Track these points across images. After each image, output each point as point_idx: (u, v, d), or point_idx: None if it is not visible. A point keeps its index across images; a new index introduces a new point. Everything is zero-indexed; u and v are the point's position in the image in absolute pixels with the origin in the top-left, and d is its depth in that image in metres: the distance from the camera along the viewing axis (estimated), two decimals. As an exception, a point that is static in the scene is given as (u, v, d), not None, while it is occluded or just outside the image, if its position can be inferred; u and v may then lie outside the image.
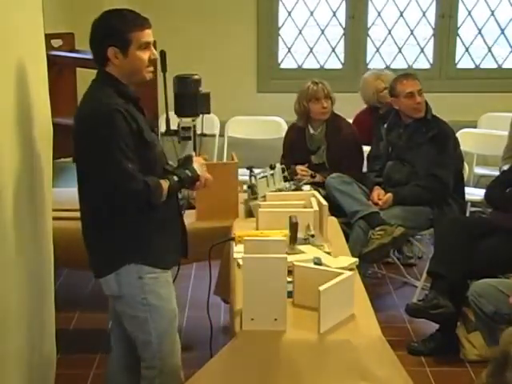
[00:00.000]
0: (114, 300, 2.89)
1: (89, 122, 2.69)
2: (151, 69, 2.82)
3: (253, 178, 3.81)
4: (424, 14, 6.11)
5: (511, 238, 3.82)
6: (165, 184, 2.74)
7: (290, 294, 2.74)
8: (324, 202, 3.47)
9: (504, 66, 6.22)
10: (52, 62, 3.78)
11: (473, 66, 6.22)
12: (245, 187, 3.92)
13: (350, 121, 4.96)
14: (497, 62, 6.22)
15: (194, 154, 3.22)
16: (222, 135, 5.93)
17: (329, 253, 3.18)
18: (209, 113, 3.98)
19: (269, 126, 5.92)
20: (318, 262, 2.96)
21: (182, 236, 2.99)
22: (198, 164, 2.92)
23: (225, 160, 5.66)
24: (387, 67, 6.03)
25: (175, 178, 2.79)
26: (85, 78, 4.97)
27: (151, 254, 2.79)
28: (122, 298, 2.82)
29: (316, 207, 3.42)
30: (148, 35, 2.75)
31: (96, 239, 2.82)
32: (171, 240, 2.90)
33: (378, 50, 6.15)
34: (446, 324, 4.00)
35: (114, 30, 2.68)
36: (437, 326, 4.04)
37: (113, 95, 2.70)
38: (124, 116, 2.65)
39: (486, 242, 3.86)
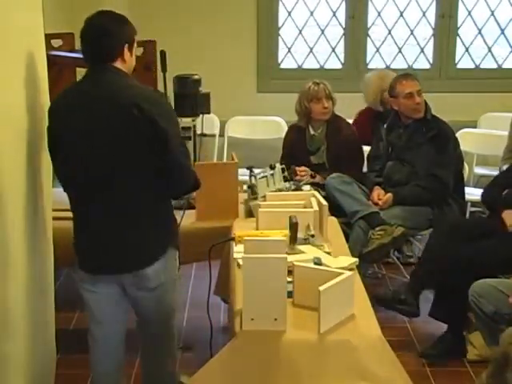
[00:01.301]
0: (149, 292, 2.88)
1: (157, 103, 2.78)
2: None
3: (253, 178, 3.81)
4: (424, 14, 6.11)
5: (511, 239, 3.82)
6: None
7: (289, 294, 2.74)
8: (324, 202, 3.47)
9: (504, 66, 6.23)
10: (52, 62, 3.77)
11: (473, 66, 6.22)
12: (245, 187, 3.92)
13: (350, 121, 4.96)
14: (497, 62, 6.22)
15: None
16: (221, 135, 5.93)
17: (329, 253, 3.18)
18: (209, 113, 3.98)
19: (269, 125, 5.93)
20: (318, 262, 2.96)
21: None
22: None
23: (225, 160, 5.66)
24: (387, 67, 6.04)
25: None
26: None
27: (176, 236, 2.98)
28: (164, 284, 2.89)
29: (316, 207, 3.42)
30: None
31: (144, 227, 2.81)
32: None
33: (377, 50, 6.16)
34: (452, 325, 4.00)
35: (130, 31, 2.89)
36: (436, 327, 4.04)
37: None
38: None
39: (485, 242, 3.85)
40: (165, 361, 3.10)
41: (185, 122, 3.90)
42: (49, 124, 2.86)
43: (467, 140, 5.38)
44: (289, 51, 6.19)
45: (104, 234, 2.82)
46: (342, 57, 6.18)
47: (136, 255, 2.82)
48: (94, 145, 2.74)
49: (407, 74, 4.69)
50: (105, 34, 2.80)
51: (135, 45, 2.91)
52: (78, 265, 2.95)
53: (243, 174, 4.04)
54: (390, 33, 6.16)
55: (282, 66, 6.21)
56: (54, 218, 3.27)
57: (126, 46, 2.85)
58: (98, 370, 3.06)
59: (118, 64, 2.83)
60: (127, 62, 2.86)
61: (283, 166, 4.03)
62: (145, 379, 3.19)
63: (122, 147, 2.72)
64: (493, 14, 6.11)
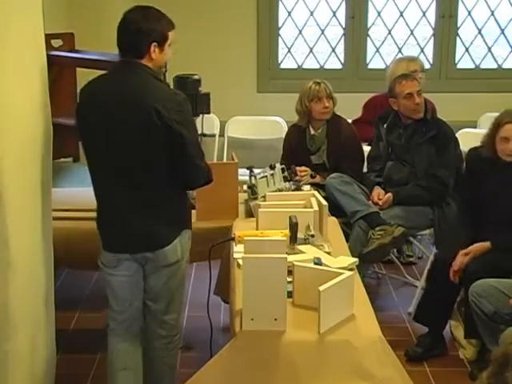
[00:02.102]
0: (165, 268, 3.05)
1: (174, 109, 2.88)
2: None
3: (253, 178, 3.81)
4: (424, 14, 6.11)
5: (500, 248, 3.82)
6: None
7: (289, 294, 2.75)
8: (324, 202, 3.47)
9: (504, 66, 6.22)
10: (52, 62, 3.77)
11: (473, 66, 6.21)
12: (245, 187, 3.92)
13: (350, 121, 4.96)
14: (497, 62, 6.22)
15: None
16: (222, 135, 5.92)
17: (329, 253, 3.18)
18: (209, 113, 3.98)
19: (269, 125, 5.92)
20: (318, 262, 2.96)
21: None
22: None
23: (225, 160, 5.66)
24: (387, 67, 6.03)
25: None
26: (85, 77, 4.97)
27: (190, 219, 3.17)
28: (179, 261, 3.07)
29: (316, 207, 3.42)
30: (174, 34, 3.06)
31: (161, 212, 3.01)
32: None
33: (377, 50, 6.15)
34: (434, 329, 4.02)
35: (159, 27, 2.96)
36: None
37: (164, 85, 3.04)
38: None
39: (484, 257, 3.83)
40: (160, 335, 3.19)
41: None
42: (76, 108, 3.06)
43: (467, 140, 5.36)
44: (289, 51, 6.18)
45: (129, 219, 3.00)
46: (341, 57, 6.17)
47: (157, 237, 3.01)
48: (113, 140, 2.91)
49: (407, 75, 4.69)
50: (133, 31, 2.93)
51: (169, 42, 2.99)
52: (103, 248, 3.09)
53: (243, 174, 4.04)
54: (389, 33, 6.16)
55: (282, 66, 6.21)
56: (54, 218, 3.27)
57: (155, 44, 2.93)
58: (118, 347, 3.19)
59: (146, 61, 2.95)
60: (155, 60, 2.96)
61: (283, 166, 4.03)
62: (147, 365, 3.27)
63: (138, 147, 2.90)
64: (493, 14, 6.11)
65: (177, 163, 2.93)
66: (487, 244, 3.81)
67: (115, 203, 2.99)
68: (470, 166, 4.10)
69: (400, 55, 5.83)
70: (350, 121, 4.95)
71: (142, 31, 2.92)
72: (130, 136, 2.88)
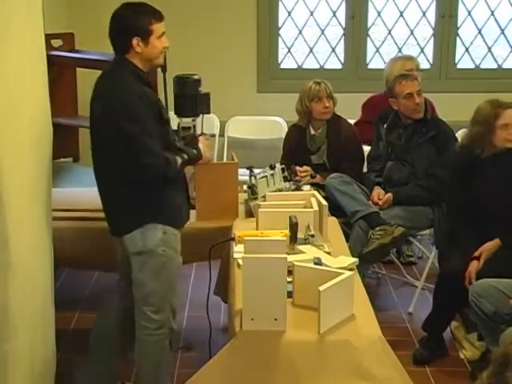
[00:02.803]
0: (135, 256, 3.16)
1: (119, 106, 3.01)
2: (163, 55, 3.19)
3: (253, 178, 3.81)
4: (424, 14, 6.11)
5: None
6: (179, 160, 3.14)
7: (289, 294, 2.74)
8: (324, 202, 3.47)
9: (504, 66, 6.22)
10: (52, 61, 3.77)
11: (473, 66, 6.21)
12: (245, 187, 3.92)
13: (351, 121, 4.95)
14: (497, 62, 6.22)
15: (198, 134, 3.54)
16: (222, 135, 5.92)
17: (329, 253, 3.18)
18: (209, 113, 3.97)
19: (269, 125, 5.92)
20: (318, 262, 2.96)
21: (187, 202, 3.36)
22: (203, 144, 3.36)
23: (225, 160, 5.66)
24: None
25: (185, 156, 3.19)
26: (85, 77, 4.99)
27: (172, 215, 3.19)
28: (144, 252, 3.14)
29: (316, 207, 3.42)
30: (163, 26, 3.13)
31: (121, 201, 3.14)
32: (182, 204, 3.28)
33: (377, 50, 6.15)
34: (433, 330, 4.02)
35: (139, 23, 3.05)
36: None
37: (134, 80, 3.07)
38: (148, 99, 3.04)
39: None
40: (140, 324, 3.26)
41: (185, 121, 3.90)
42: None
43: (467, 140, 5.37)
44: (289, 51, 6.18)
45: (103, 204, 3.23)
46: (341, 57, 6.17)
47: (118, 224, 3.20)
48: (91, 132, 3.17)
49: (407, 75, 4.69)
50: (112, 29, 3.09)
51: (156, 34, 3.06)
52: None
53: (243, 174, 4.04)
54: (389, 33, 6.15)
55: (282, 66, 6.20)
56: (54, 218, 3.27)
57: (137, 38, 3.03)
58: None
59: (131, 56, 3.08)
60: (142, 54, 3.07)
61: (283, 166, 4.03)
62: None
63: (98, 139, 3.13)
64: (493, 14, 6.11)
65: (124, 158, 3.02)
66: (496, 241, 3.79)
67: (99, 190, 3.22)
68: (463, 163, 4.03)
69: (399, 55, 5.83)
70: (351, 121, 4.95)
71: (119, 28, 3.07)
72: (94, 128, 3.12)
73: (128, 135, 2.98)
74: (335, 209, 4.14)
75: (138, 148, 2.99)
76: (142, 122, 3.00)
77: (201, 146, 3.34)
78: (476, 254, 3.78)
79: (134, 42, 3.04)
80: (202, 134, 3.59)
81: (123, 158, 3.02)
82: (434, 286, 4.36)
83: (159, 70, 3.85)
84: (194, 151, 3.28)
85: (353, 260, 3.12)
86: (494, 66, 6.22)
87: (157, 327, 3.22)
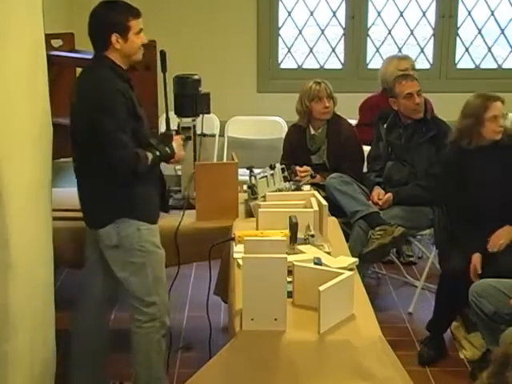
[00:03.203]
0: (111, 250, 3.22)
1: (93, 100, 3.07)
2: (142, 51, 3.23)
3: (253, 178, 3.81)
4: (424, 14, 6.11)
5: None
6: (149, 156, 3.17)
7: (289, 294, 2.74)
8: (324, 202, 3.47)
9: (504, 66, 6.22)
10: (52, 62, 3.77)
11: (473, 66, 6.21)
12: (245, 187, 3.92)
13: (351, 121, 4.95)
14: (497, 62, 6.22)
15: (173, 132, 3.53)
16: (222, 135, 5.92)
17: (329, 253, 3.18)
18: (209, 113, 3.97)
19: (269, 125, 5.92)
20: (318, 262, 2.96)
21: (162, 196, 3.41)
22: (176, 143, 3.40)
23: (225, 160, 5.66)
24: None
25: (157, 153, 3.22)
26: (85, 77, 4.93)
27: (144, 211, 3.23)
28: (120, 247, 3.20)
29: (316, 207, 3.42)
30: (141, 23, 3.18)
31: (95, 196, 3.21)
32: (155, 200, 3.33)
33: (377, 50, 6.15)
34: (437, 330, 4.02)
35: (117, 19, 3.11)
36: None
37: (112, 76, 3.12)
38: (123, 94, 3.07)
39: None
40: (132, 317, 3.33)
41: (185, 121, 3.90)
42: None
43: (467, 140, 5.37)
44: (289, 51, 6.18)
45: (79, 198, 3.30)
46: (341, 57, 6.17)
47: (92, 217, 3.27)
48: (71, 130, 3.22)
49: (407, 75, 4.69)
50: (90, 26, 3.15)
51: (134, 30, 3.12)
52: None
53: (243, 174, 4.04)
54: (389, 33, 6.16)
55: (282, 66, 6.21)
56: (54, 218, 3.27)
57: (116, 35, 3.09)
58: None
59: (110, 52, 3.14)
60: (121, 50, 3.13)
61: (283, 166, 4.03)
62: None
63: (75, 131, 3.16)
64: (493, 14, 6.11)
65: (97, 152, 3.07)
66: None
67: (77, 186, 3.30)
68: (455, 160, 4.02)
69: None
70: (351, 122, 4.95)
71: (97, 25, 3.13)
72: (72, 125, 3.17)
73: (102, 129, 3.03)
74: (335, 209, 4.14)
75: (112, 142, 3.04)
76: (116, 117, 3.05)
77: (175, 144, 3.37)
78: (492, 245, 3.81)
79: (113, 38, 3.10)
80: (178, 133, 3.59)
81: (97, 151, 3.07)
82: (434, 286, 4.37)
83: (159, 70, 3.87)
84: (167, 149, 3.31)
85: (353, 260, 3.12)
86: (494, 66, 6.22)
87: (147, 320, 3.27)
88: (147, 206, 3.25)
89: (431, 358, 3.93)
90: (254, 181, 3.80)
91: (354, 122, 5.06)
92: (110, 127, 3.03)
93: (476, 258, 3.76)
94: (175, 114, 3.92)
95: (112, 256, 3.24)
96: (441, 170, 4.21)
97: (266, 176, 3.86)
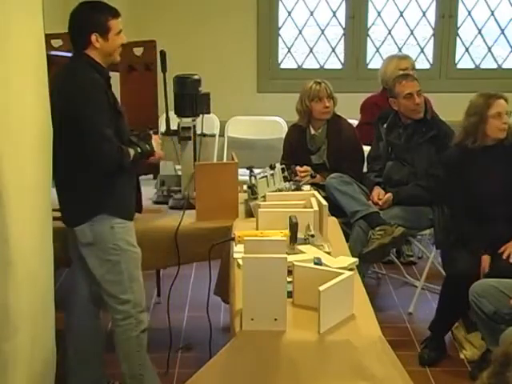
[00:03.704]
0: (86, 247, 3.26)
1: (75, 93, 3.10)
2: (120, 50, 3.27)
3: (253, 178, 3.81)
4: (424, 14, 6.11)
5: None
6: (131, 152, 3.22)
7: (289, 294, 2.74)
8: (324, 202, 3.47)
9: (504, 66, 6.22)
10: (52, 61, 3.77)
11: (473, 66, 6.22)
12: (245, 187, 3.92)
13: (351, 121, 4.96)
14: (497, 62, 6.22)
15: (151, 132, 3.53)
16: (222, 135, 5.92)
17: (329, 253, 3.18)
18: (209, 113, 3.97)
19: (269, 125, 5.92)
20: (318, 262, 2.96)
21: (137, 195, 3.46)
22: (155, 142, 3.43)
23: (225, 160, 5.66)
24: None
25: (138, 150, 3.27)
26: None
27: (120, 207, 3.25)
28: (94, 245, 3.23)
29: (316, 207, 3.42)
30: (120, 23, 3.23)
31: (71, 193, 3.24)
32: (133, 197, 3.38)
33: (377, 50, 6.15)
34: (440, 331, 4.02)
35: (97, 19, 3.16)
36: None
37: (92, 72, 3.16)
38: (104, 90, 3.14)
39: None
40: (111, 316, 3.39)
41: (185, 121, 3.90)
42: None
43: (467, 140, 5.37)
44: (289, 51, 6.18)
45: (57, 195, 3.30)
46: (341, 57, 6.17)
47: (69, 214, 3.29)
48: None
49: (407, 75, 4.69)
50: (72, 26, 3.20)
51: (114, 31, 3.16)
52: None
53: (243, 174, 4.04)
54: (389, 33, 6.16)
55: (282, 66, 6.21)
56: (54, 218, 3.27)
57: (96, 34, 3.14)
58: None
59: (89, 50, 3.18)
60: (100, 49, 3.17)
61: (283, 166, 4.03)
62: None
63: (55, 126, 3.07)
64: (493, 14, 6.11)
65: (81, 146, 3.08)
66: None
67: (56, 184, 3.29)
68: (460, 161, 4.01)
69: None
70: (351, 122, 4.95)
71: (78, 25, 3.18)
72: (52, 119, 3.10)
73: (86, 122, 3.06)
74: (335, 209, 4.14)
75: (98, 136, 3.07)
76: (101, 112, 3.10)
77: (154, 143, 3.40)
78: (502, 250, 3.80)
79: (93, 37, 3.15)
80: (156, 132, 3.59)
81: (80, 146, 3.09)
82: (434, 286, 4.38)
83: (159, 70, 3.87)
84: (147, 146, 3.35)
85: (353, 260, 3.12)
86: (494, 66, 6.22)
87: (122, 318, 3.31)
88: (124, 202, 3.28)
89: (432, 360, 3.93)
90: (254, 181, 3.79)
91: (354, 121, 5.07)
92: (95, 121, 3.07)
93: (485, 261, 3.77)
94: (175, 113, 3.92)
95: (88, 254, 3.27)
96: (445, 172, 4.19)
97: (266, 176, 3.86)
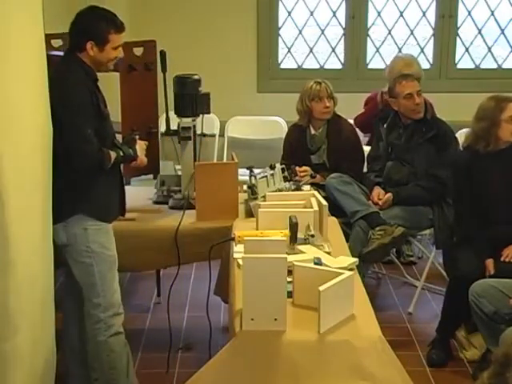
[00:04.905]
0: (63, 248, 3.24)
1: (60, 93, 3.06)
2: (114, 63, 3.28)
3: (253, 178, 3.81)
4: (424, 14, 6.11)
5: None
6: (113, 155, 3.20)
7: (289, 294, 2.74)
8: (324, 202, 3.47)
9: (504, 66, 6.22)
10: (52, 62, 3.77)
11: (473, 66, 6.22)
12: (245, 187, 3.92)
13: (351, 121, 4.96)
14: (497, 62, 6.22)
15: (137, 137, 3.50)
16: (222, 135, 5.93)
17: (329, 253, 3.18)
18: (209, 113, 3.97)
19: (269, 125, 5.92)
20: (318, 262, 2.96)
21: (121, 198, 3.41)
22: (139, 147, 3.39)
23: (225, 160, 5.66)
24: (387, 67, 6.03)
25: (120, 153, 3.26)
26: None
27: (95, 208, 3.22)
28: (69, 246, 3.22)
29: (316, 207, 3.42)
30: (122, 38, 3.22)
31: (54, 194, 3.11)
32: (114, 199, 3.34)
33: (377, 50, 6.15)
34: (447, 332, 4.02)
35: (97, 29, 3.15)
36: (436, 327, 4.05)
37: (80, 74, 3.16)
38: (89, 90, 3.13)
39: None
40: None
41: (185, 121, 3.90)
42: None
43: (467, 140, 5.36)
44: (289, 51, 6.18)
45: None
46: (341, 57, 6.17)
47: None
48: None
49: (407, 75, 4.69)
50: (73, 26, 3.21)
51: (112, 44, 3.15)
52: None
53: (243, 174, 4.04)
54: (389, 33, 6.16)
55: (282, 66, 6.21)
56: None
57: (92, 42, 3.14)
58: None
59: (83, 55, 3.17)
60: (93, 57, 3.16)
61: (283, 166, 4.03)
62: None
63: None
64: (493, 14, 6.11)
65: (56, 144, 3.04)
66: None
67: None
68: (469, 164, 4.00)
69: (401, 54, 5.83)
70: (351, 122, 4.95)
71: (78, 28, 3.19)
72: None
73: (66, 123, 3.05)
74: (335, 209, 4.14)
75: (78, 135, 3.07)
76: (83, 112, 3.09)
77: (138, 148, 3.37)
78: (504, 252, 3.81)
79: (88, 45, 3.14)
80: (140, 138, 3.55)
81: (58, 146, 3.05)
82: (434, 286, 4.38)
83: (159, 70, 3.87)
84: (130, 151, 3.32)
85: (353, 260, 3.12)
86: (494, 66, 6.22)
87: (93, 322, 3.29)
88: (99, 203, 3.24)
89: (441, 360, 3.92)
90: (254, 181, 3.80)
91: (364, 101, 5.07)
92: (76, 122, 3.07)
93: (490, 264, 3.77)
94: (175, 113, 3.92)
95: (65, 254, 3.26)
96: (452, 174, 4.16)
97: (266, 176, 3.86)
